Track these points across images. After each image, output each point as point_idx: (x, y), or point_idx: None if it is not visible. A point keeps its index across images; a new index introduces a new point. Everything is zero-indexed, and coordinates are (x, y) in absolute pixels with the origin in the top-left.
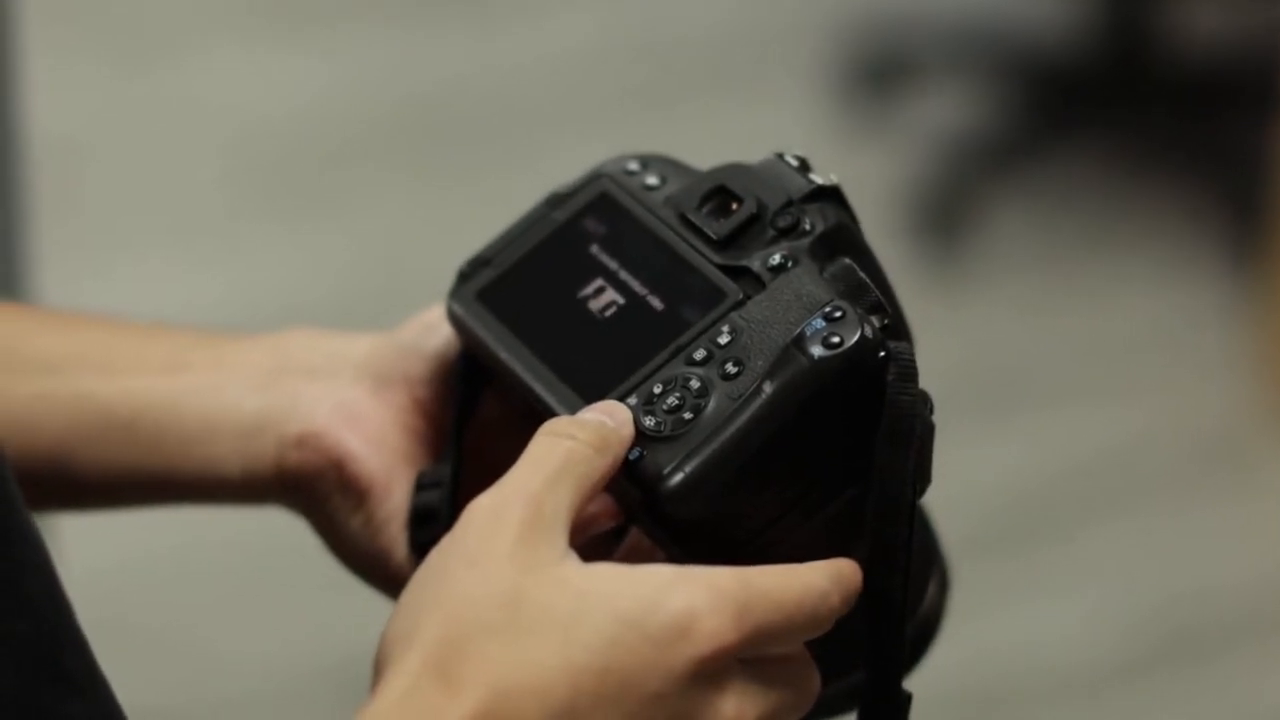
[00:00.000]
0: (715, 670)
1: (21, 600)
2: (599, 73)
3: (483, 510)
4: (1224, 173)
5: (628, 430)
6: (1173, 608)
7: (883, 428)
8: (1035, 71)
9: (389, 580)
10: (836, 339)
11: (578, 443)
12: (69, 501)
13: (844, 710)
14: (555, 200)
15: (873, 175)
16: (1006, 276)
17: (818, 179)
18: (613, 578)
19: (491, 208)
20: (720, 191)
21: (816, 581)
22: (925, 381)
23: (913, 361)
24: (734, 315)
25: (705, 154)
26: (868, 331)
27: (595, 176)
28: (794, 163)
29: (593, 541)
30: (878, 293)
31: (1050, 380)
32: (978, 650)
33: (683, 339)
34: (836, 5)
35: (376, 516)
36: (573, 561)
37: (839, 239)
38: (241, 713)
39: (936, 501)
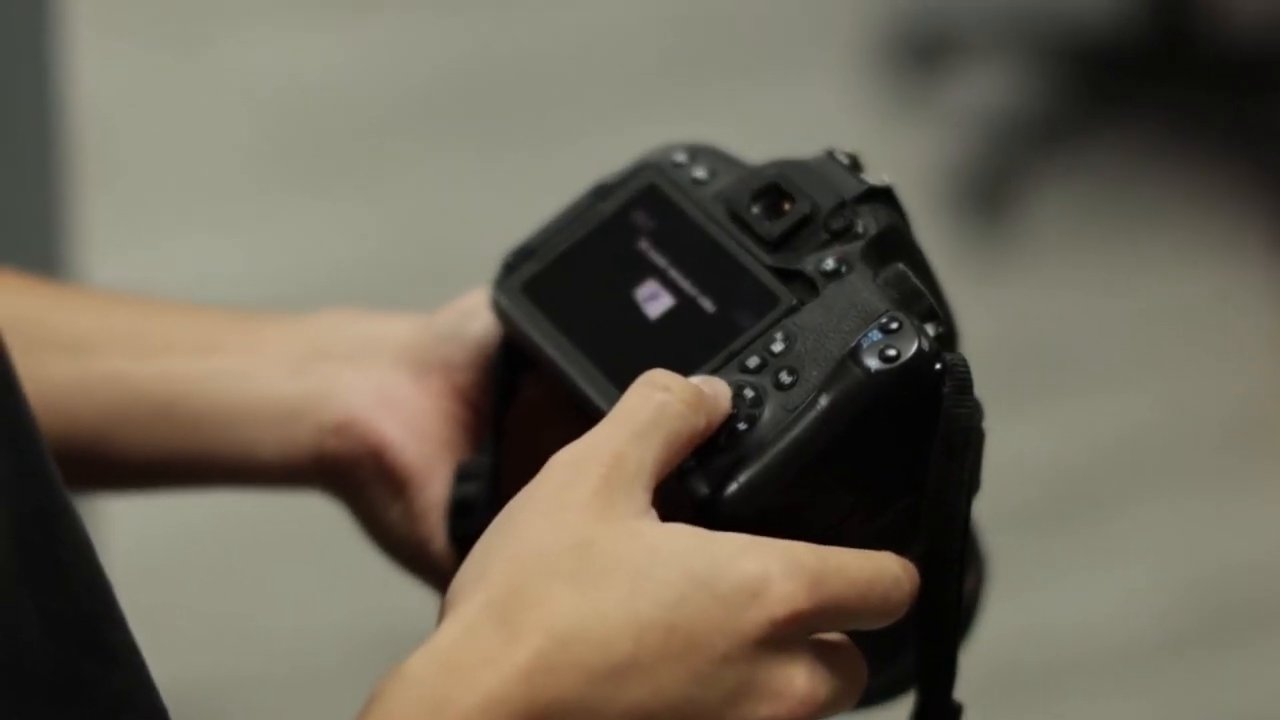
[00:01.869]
0: (786, 637)
1: (61, 575)
2: (635, 48)
3: (563, 461)
4: (1264, 153)
5: (725, 404)
6: (1212, 585)
7: (938, 440)
8: (1079, 49)
9: (427, 569)
10: (892, 352)
11: (672, 396)
12: (105, 484)
13: (871, 705)
14: (602, 191)
15: (914, 153)
16: (1048, 256)
17: (870, 179)
18: (687, 536)
19: (524, 183)
20: (772, 190)
21: (890, 566)
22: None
23: (968, 372)
24: (788, 321)
25: (744, 131)
26: (924, 345)
27: (642, 167)
28: (845, 161)
29: None
30: (931, 298)
31: (1091, 359)
32: (1016, 628)
33: (735, 345)
34: None
35: (415, 506)
36: (649, 518)
37: (891, 241)
38: (279, 689)
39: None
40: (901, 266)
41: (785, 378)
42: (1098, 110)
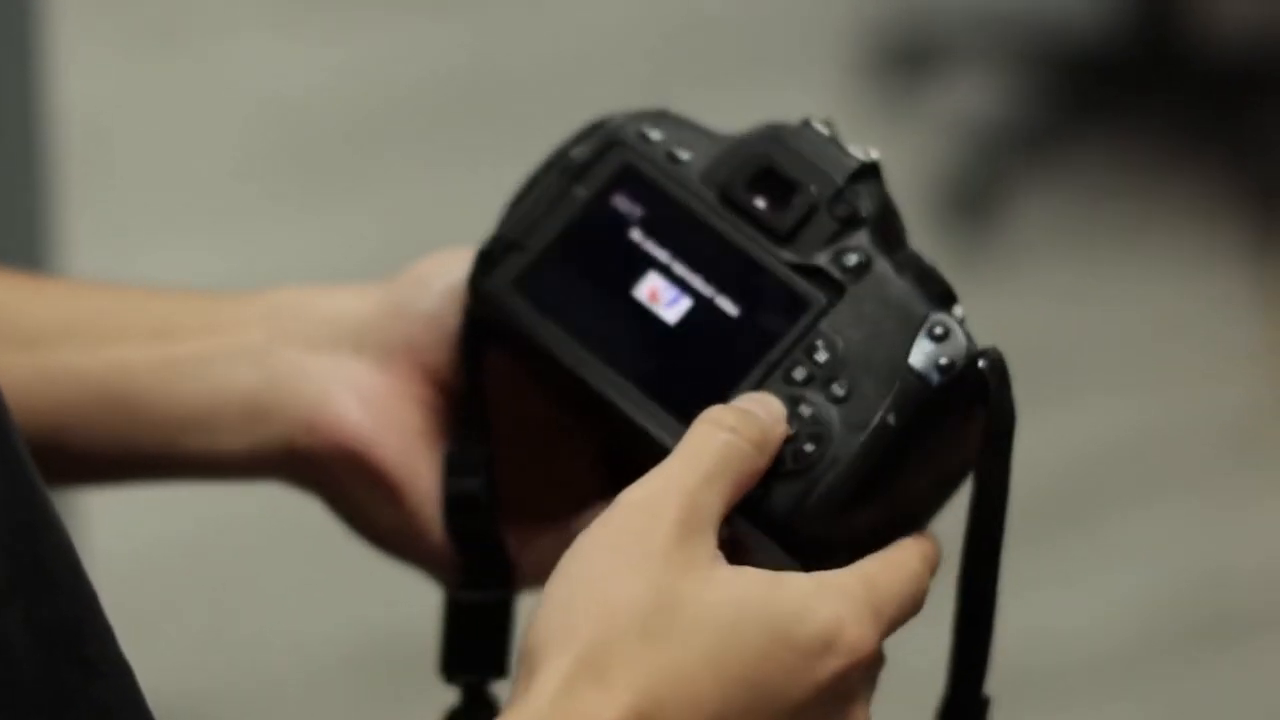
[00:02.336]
0: (854, 679)
1: (47, 582)
2: (623, 56)
3: (638, 505)
4: (1254, 162)
5: (782, 429)
6: (1203, 591)
7: (987, 433)
8: (1065, 58)
9: (423, 559)
10: (946, 360)
11: (738, 438)
12: (69, 478)
13: None
14: (571, 170)
15: (901, 161)
16: (1033, 264)
17: (858, 154)
18: (761, 585)
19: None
20: (768, 173)
21: (918, 568)
22: None
23: (1004, 363)
24: (822, 326)
25: None
26: (972, 347)
27: (609, 143)
28: (825, 132)
29: None
30: (943, 277)
31: (1077, 368)
32: (1005, 636)
33: (774, 354)
34: None
35: (406, 503)
36: (722, 564)
37: (888, 220)
38: (271, 696)
39: (960, 490)
40: (912, 250)
41: (838, 390)
42: (1084, 118)
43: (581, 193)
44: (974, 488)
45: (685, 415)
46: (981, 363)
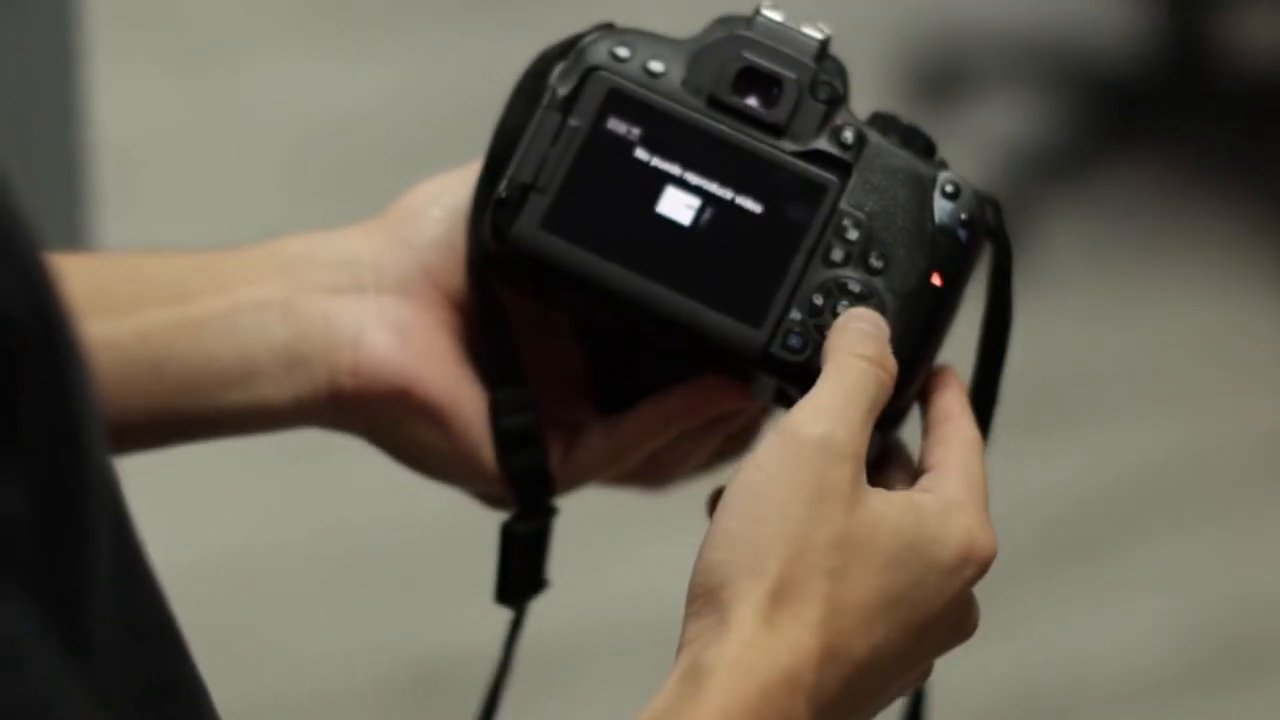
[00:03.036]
0: (976, 580)
1: (143, 581)
2: None
3: (813, 444)
4: (1277, 186)
5: (887, 336)
6: (1231, 618)
7: (994, 263)
8: (1093, 81)
9: (475, 480)
10: (966, 214)
11: (882, 370)
12: (110, 448)
13: None
14: (558, 104)
15: None
16: (1061, 287)
17: (814, 32)
18: (908, 516)
19: None
20: (748, 72)
21: (976, 435)
22: None
23: (995, 198)
24: (842, 205)
25: None
26: (980, 194)
27: (586, 69)
28: (779, 17)
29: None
30: (918, 127)
31: (1106, 391)
32: (1037, 661)
33: (808, 240)
34: (895, 14)
35: (454, 427)
36: (875, 495)
37: (848, 86)
38: (307, 714)
39: (992, 513)
40: (887, 112)
41: (875, 262)
42: (1113, 142)
43: (577, 124)
44: (987, 312)
45: (748, 317)
46: (988, 207)
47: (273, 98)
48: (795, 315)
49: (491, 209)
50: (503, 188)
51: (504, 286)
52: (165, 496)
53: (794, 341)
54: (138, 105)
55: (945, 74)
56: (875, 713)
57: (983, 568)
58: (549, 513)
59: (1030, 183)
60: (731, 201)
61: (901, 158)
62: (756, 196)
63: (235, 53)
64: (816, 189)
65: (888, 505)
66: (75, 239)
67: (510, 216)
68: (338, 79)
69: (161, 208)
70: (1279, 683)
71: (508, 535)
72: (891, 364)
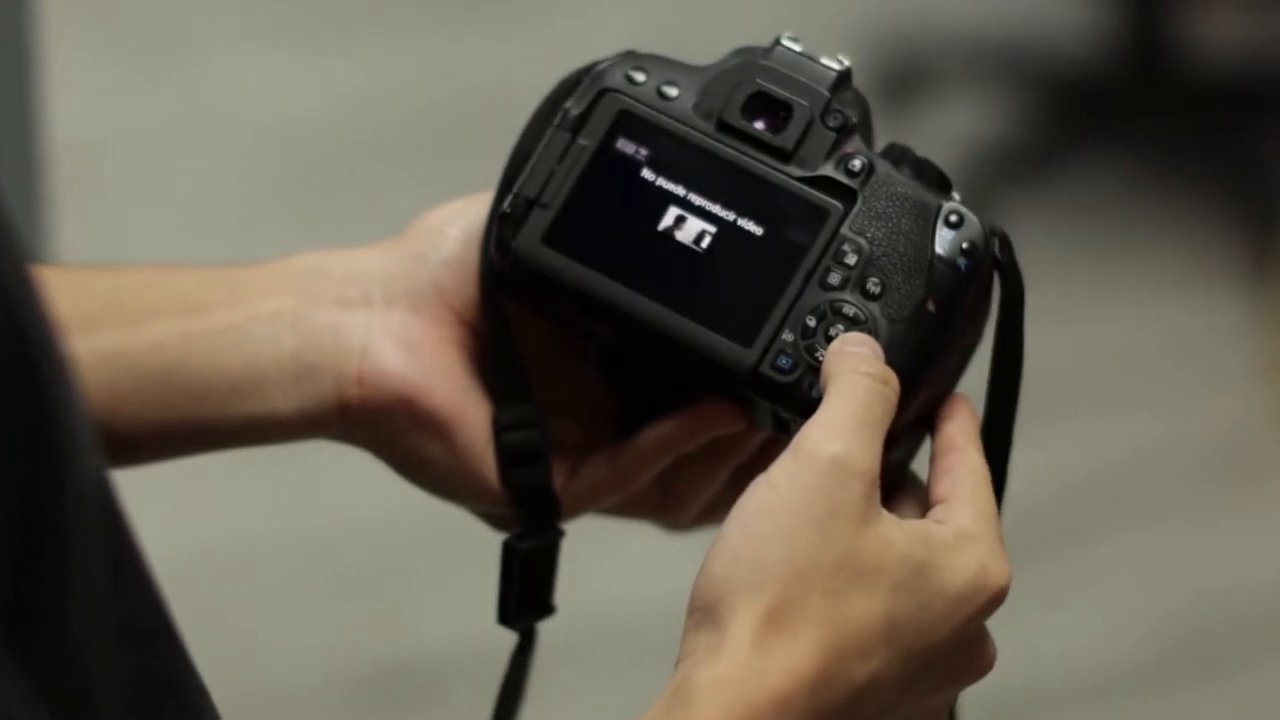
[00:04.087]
0: (990, 609)
1: (139, 581)
2: None
3: (826, 463)
4: (1243, 182)
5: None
6: (1191, 615)
7: (1003, 296)
8: (1054, 80)
9: (477, 497)
10: (968, 245)
11: (887, 387)
12: (117, 459)
13: None
14: (570, 124)
15: None
16: (1025, 285)
17: (833, 64)
18: (918, 543)
19: None
20: (760, 97)
21: (983, 465)
22: None
23: (1004, 232)
24: (844, 231)
25: None
26: (985, 226)
27: (600, 91)
28: (798, 48)
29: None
30: (934, 163)
31: (1069, 388)
32: (1001, 657)
33: (807, 264)
34: (856, 15)
35: (457, 442)
36: (885, 518)
37: (870, 122)
38: (273, 708)
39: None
40: (901, 144)
41: (873, 287)
42: (1075, 141)
43: (586, 143)
44: (999, 345)
45: (740, 336)
46: (995, 240)
47: (233, 96)
48: (787, 336)
49: (496, 223)
50: (508, 202)
51: (517, 308)
52: (134, 492)
53: (784, 362)
54: (97, 103)
55: (906, 73)
56: None
57: (995, 597)
58: (554, 534)
59: (992, 182)
60: (733, 223)
61: (909, 186)
62: (758, 219)
63: (196, 51)
64: (819, 214)
65: (898, 530)
66: (33, 237)
67: (513, 230)
68: (299, 78)
69: (121, 206)
70: (1241, 677)
71: (507, 553)
72: (895, 382)
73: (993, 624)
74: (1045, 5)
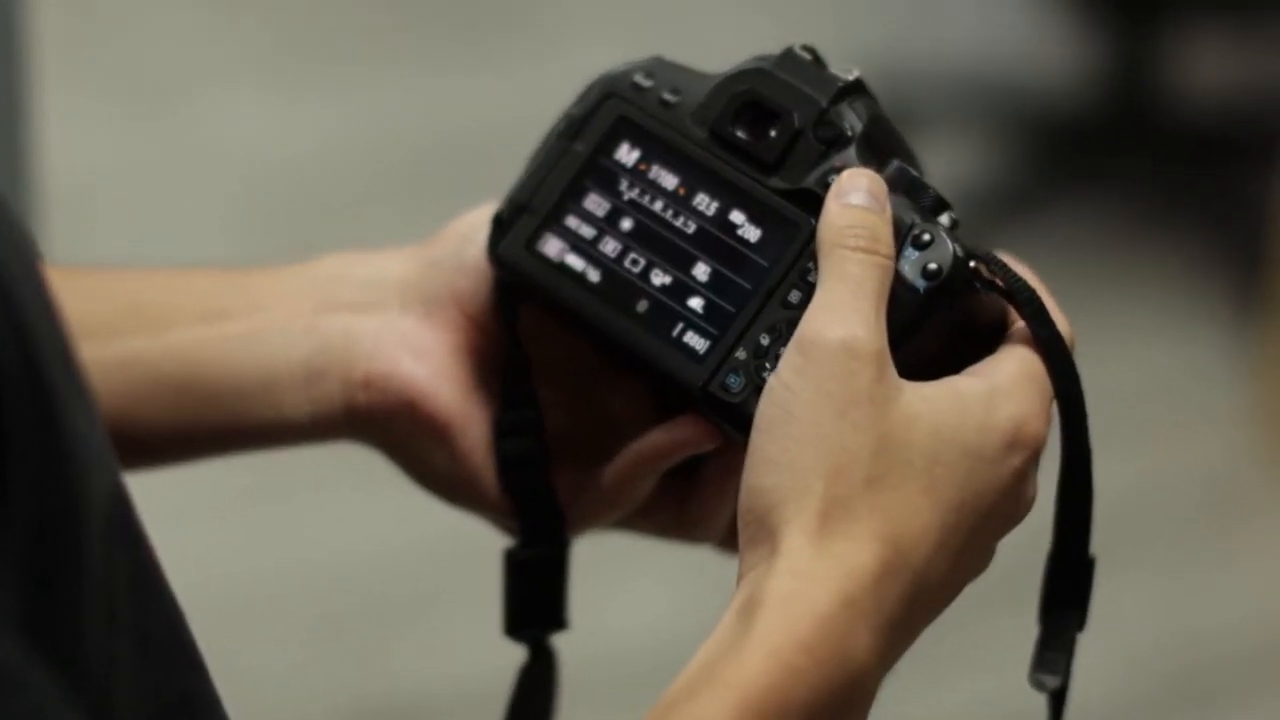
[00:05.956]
0: (1031, 464)
1: (158, 595)
2: None
3: (834, 350)
4: (1226, 224)
5: (889, 214)
6: (1174, 656)
7: (1028, 314)
8: (1039, 123)
9: (475, 502)
10: (934, 266)
11: (881, 257)
12: (135, 463)
13: None
14: (571, 128)
15: None
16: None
17: (839, 75)
18: (949, 409)
19: None
20: (752, 107)
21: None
22: None
23: (994, 254)
24: (812, 247)
25: None
26: (958, 250)
27: (605, 95)
28: (808, 57)
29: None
30: (934, 187)
31: (1053, 429)
32: (987, 697)
33: (770, 280)
34: (841, 56)
35: (459, 448)
36: (908, 389)
37: (878, 134)
38: None
39: None
40: (898, 163)
41: None
42: (1057, 183)
43: (580, 149)
44: (1046, 358)
45: (693, 354)
46: (972, 262)
47: (224, 137)
48: (740, 355)
49: (490, 227)
50: (502, 207)
51: (540, 317)
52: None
53: (732, 381)
54: (88, 144)
55: (892, 115)
56: (937, 614)
57: (1033, 450)
58: (557, 544)
59: (977, 222)
60: (708, 235)
61: (894, 203)
62: (732, 232)
63: (187, 91)
64: (789, 228)
65: (922, 401)
66: None
67: (500, 235)
68: (289, 119)
69: (113, 245)
70: (1226, 717)
71: (508, 561)
72: (886, 242)
73: (978, 667)
74: (1030, 47)
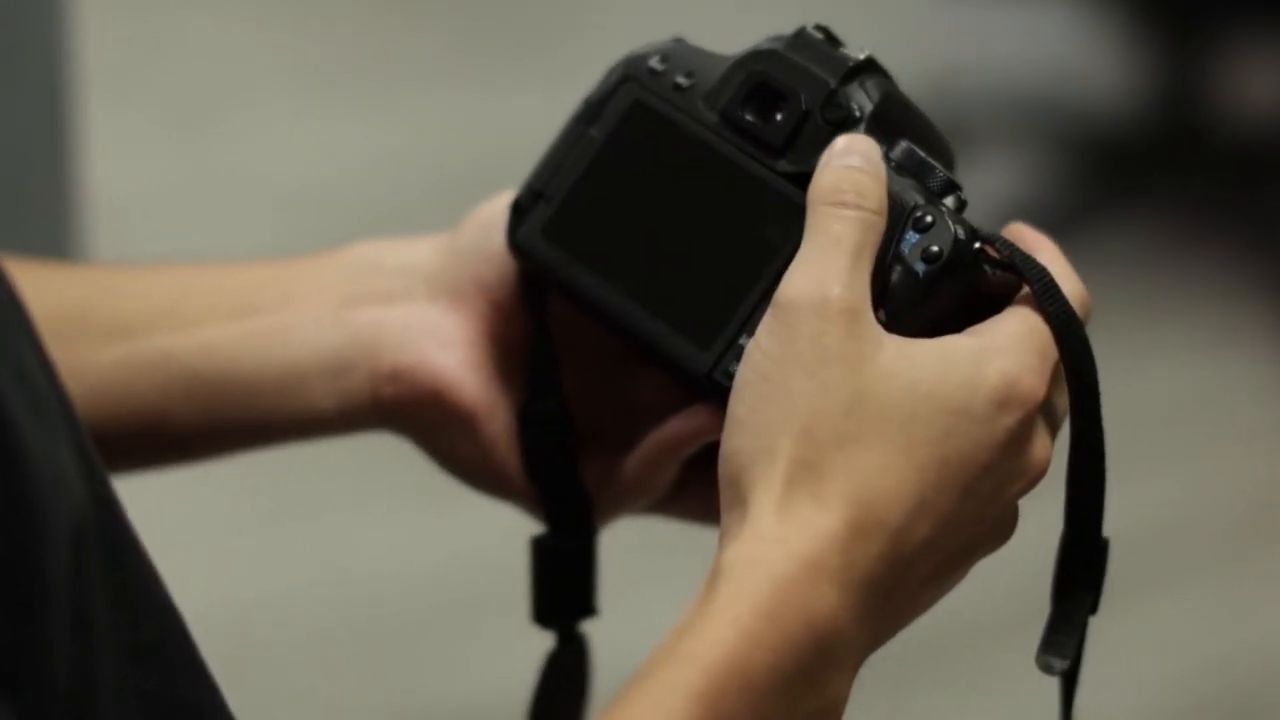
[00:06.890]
0: (1030, 423)
1: (150, 608)
2: None
3: (805, 308)
4: (1272, 244)
5: (884, 172)
6: (1218, 676)
7: (1037, 290)
8: (1087, 141)
9: (502, 489)
10: (935, 249)
11: (867, 212)
12: (170, 459)
13: None
14: (589, 113)
15: None
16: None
17: (850, 54)
18: (930, 364)
19: None
20: (761, 89)
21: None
22: None
23: (999, 235)
24: None
25: None
26: (960, 233)
27: (622, 79)
28: (819, 36)
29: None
30: (942, 167)
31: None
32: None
33: (776, 264)
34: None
35: (485, 436)
36: (889, 344)
37: (889, 115)
38: None
39: (975, 574)
40: (906, 144)
41: None
42: (1108, 201)
43: (595, 134)
44: (1058, 339)
45: (700, 339)
46: (976, 245)
47: (265, 156)
48: (743, 341)
49: (509, 214)
50: (519, 194)
51: (568, 305)
52: (154, 550)
53: (735, 368)
54: (131, 163)
55: (944, 132)
56: (949, 582)
57: (1028, 409)
58: (584, 532)
59: None
60: (715, 221)
61: (896, 187)
62: (739, 217)
63: (228, 111)
64: (794, 212)
65: (901, 357)
66: None
67: (518, 221)
68: (331, 138)
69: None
70: None
71: (535, 549)
72: (873, 197)
73: (1015, 692)
74: (1080, 65)
